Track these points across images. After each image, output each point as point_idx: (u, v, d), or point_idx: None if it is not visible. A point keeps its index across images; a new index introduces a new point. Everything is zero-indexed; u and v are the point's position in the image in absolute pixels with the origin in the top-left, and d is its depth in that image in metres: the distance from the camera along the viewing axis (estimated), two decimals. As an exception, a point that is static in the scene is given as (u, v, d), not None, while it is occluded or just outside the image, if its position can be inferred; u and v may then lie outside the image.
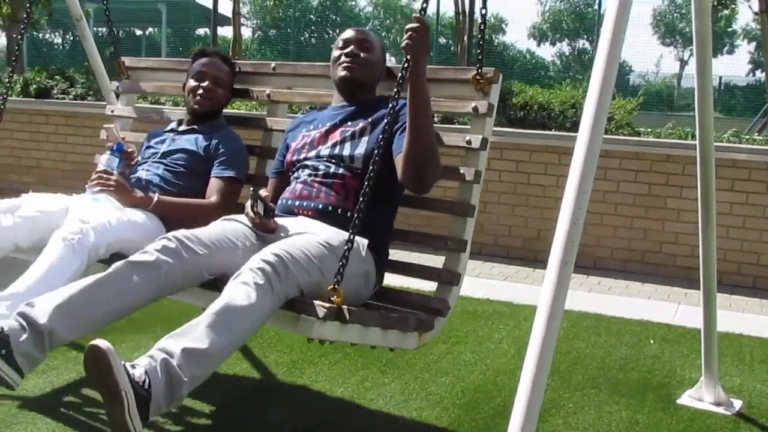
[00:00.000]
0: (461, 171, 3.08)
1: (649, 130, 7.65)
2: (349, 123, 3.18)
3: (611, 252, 7.02)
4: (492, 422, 3.55)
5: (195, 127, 3.67)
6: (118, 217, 3.14)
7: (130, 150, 3.66)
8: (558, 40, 46.68)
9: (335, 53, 3.29)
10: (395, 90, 2.61)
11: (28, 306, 2.43)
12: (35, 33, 24.93)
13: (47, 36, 31.46)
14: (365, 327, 2.67)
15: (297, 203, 3.08)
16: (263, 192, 3.01)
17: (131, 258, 2.62)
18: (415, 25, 2.66)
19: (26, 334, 2.36)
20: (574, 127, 7.24)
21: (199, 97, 3.64)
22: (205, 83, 3.65)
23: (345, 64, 3.21)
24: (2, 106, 3.66)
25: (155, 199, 3.35)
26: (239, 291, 2.42)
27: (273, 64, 3.79)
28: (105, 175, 3.34)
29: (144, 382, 2.18)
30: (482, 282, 6.24)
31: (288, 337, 4.39)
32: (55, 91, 9.12)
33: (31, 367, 2.39)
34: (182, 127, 3.72)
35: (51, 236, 2.95)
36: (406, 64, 2.66)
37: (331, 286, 2.47)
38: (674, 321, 5.38)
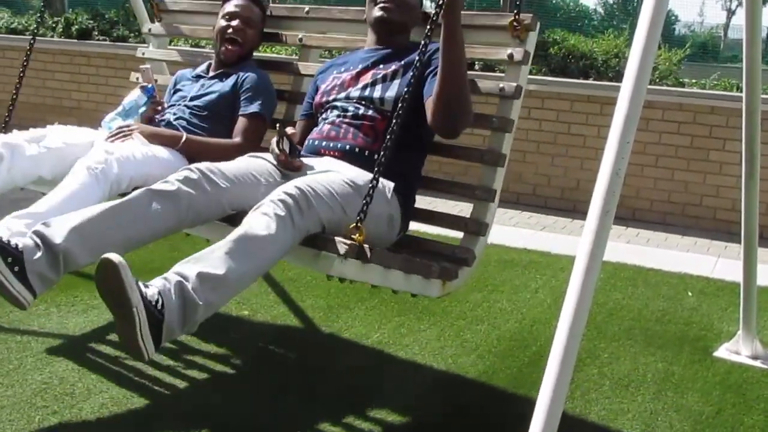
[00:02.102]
0: (493, 119, 3.03)
1: (694, 81, 7.51)
2: (382, 65, 3.12)
3: (651, 204, 6.95)
4: (527, 370, 3.57)
5: (223, 71, 3.61)
6: (143, 151, 3.11)
7: (158, 98, 3.63)
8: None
9: None
10: (427, 30, 2.50)
11: (44, 225, 2.38)
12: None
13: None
14: (386, 269, 2.61)
15: (324, 144, 3.03)
16: (290, 129, 2.93)
17: (152, 186, 2.57)
18: None
19: (41, 252, 2.32)
20: (617, 77, 7.14)
21: (228, 37, 3.57)
22: (235, 22, 3.57)
23: (382, 4, 3.14)
24: (32, 42, 3.61)
25: (183, 138, 3.32)
26: (259, 221, 2.37)
27: (307, 8, 3.73)
28: (125, 131, 3.28)
29: (157, 302, 2.13)
30: (520, 231, 6.22)
31: (324, 282, 4.43)
32: (96, 33, 9.14)
33: (44, 288, 2.35)
34: (211, 72, 3.67)
35: (72, 164, 2.93)
36: (439, 8, 2.56)
37: (354, 224, 2.40)
38: (713, 274, 5.34)
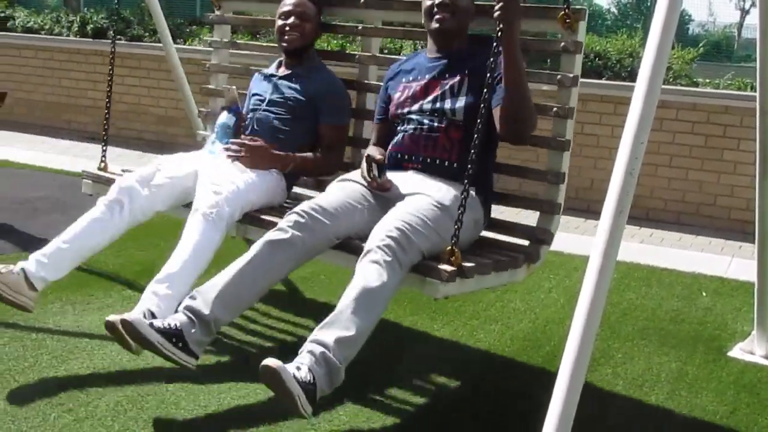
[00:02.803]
0: (554, 108, 3.24)
1: (708, 80, 7.49)
2: (447, 75, 3.29)
3: (665, 204, 6.94)
4: (540, 370, 3.57)
5: (295, 71, 3.79)
6: (244, 180, 3.41)
7: (242, 112, 3.86)
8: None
9: (426, 3, 3.33)
10: (490, 60, 2.80)
11: (192, 299, 2.85)
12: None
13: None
14: (482, 275, 2.95)
15: (405, 157, 3.29)
16: (376, 154, 3.21)
17: (269, 237, 2.95)
18: None
19: (195, 327, 2.80)
20: (631, 76, 7.12)
21: (287, 36, 3.76)
22: (291, 20, 3.75)
23: (438, 16, 3.28)
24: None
25: (289, 158, 3.62)
26: (371, 272, 2.72)
27: None
28: (244, 151, 3.56)
29: (310, 380, 2.54)
30: (533, 231, 6.20)
31: (338, 281, 4.43)
32: (111, 32, 9.18)
33: (202, 350, 2.85)
34: (281, 70, 3.85)
35: (181, 195, 3.51)
36: (499, 33, 2.84)
37: (450, 248, 2.78)
38: (727, 274, 5.32)
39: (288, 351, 3.63)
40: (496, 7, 2.87)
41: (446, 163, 3.22)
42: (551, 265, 5.19)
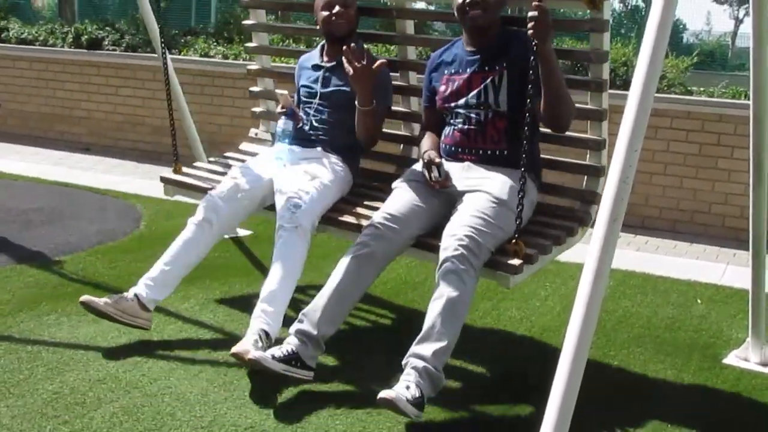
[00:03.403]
0: (590, 82, 3.57)
1: (702, 89, 7.50)
2: (486, 69, 3.51)
3: (660, 212, 6.95)
4: (536, 378, 3.56)
5: (340, 59, 3.84)
6: (315, 186, 3.71)
7: (298, 112, 4.07)
8: (610, -5, 45.91)
9: (458, 1, 3.47)
10: (531, 60, 3.11)
11: (300, 323, 3.29)
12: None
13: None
14: (545, 255, 3.34)
15: (459, 149, 3.57)
16: (434, 156, 3.46)
17: (354, 254, 3.35)
18: (535, 13, 3.04)
19: (308, 346, 3.26)
20: (625, 85, 7.13)
21: (335, 25, 3.96)
22: (336, 9, 3.94)
23: (471, 13, 3.45)
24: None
25: (371, 106, 3.79)
26: (451, 283, 3.09)
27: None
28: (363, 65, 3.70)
29: (418, 397, 2.97)
30: (528, 239, 6.21)
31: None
32: (106, 43, 9.17)
33: (315, 362, 3.29)
34: (326, 60, 4.08)
35: (259, 204, 3.88)
36: (534, 48, 3.08)
37: (514, 240, 3.17)
38: (722, 281, 5.33)
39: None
40: (530, 25, 3.06)
41: (497, 152, 3.50)
42: (547, 273, 5.19)
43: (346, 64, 3.67)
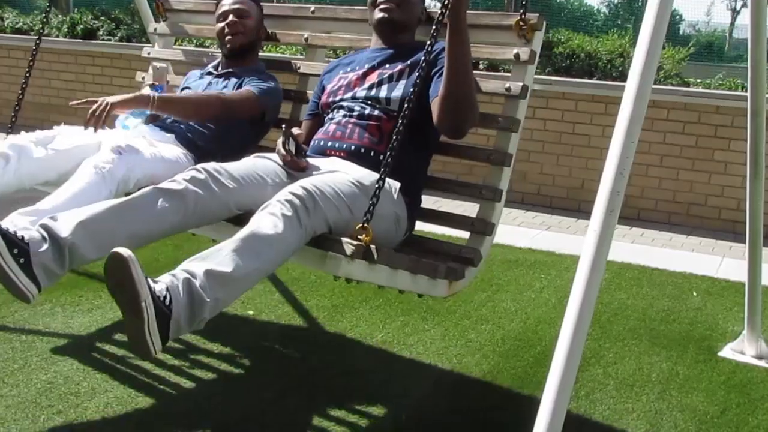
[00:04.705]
0: (499, 119, 3.02)
1: (699, 80, 7.50)
2: (387, 65, 3.13)
3: (656, 204, 6.95)
4: (531, 370, 3.57)
5: (232, 70, 3.62)
6: (151, 152, 3.13)
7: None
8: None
9: None
10: (432, 31, 2.50)
11: (51, 219, 2.41)
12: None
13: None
14: (393, 269, 2.60)
15: (329, 144, 3.03)
16: (295, 130, 2.94)
17: (160, 185, 2.60)
18: None
19: (47, 245, 2.34)
20: (622, 76, 7.12)
21: (228, 36, 3.59)
22: (230, 18, 3.58)
23: (383, 6, 3.14)
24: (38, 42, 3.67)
25: (151, 96, 3.21)
26: (267, 220, 2.38)
27: (312, 8, 3.72)
28: (95, 107, 3.12)
29: (165, 298, 2.14)
30: (524, 231, 6.22)
31: (329, 282, 4.43)
32: (101, 33, 9.14)
33: (49, 282, 2.35)
34: (219, 70, 3.68)
35: (73, 165, 2.99)
36: (445, 8, 2.59)
37: (360, 225, 2.42)
38: (718, 274, 5.33)
39: (280, 354, 3.63)
40: None
41: (372, 153, 2.96)
42: (543, 264, 5.20)
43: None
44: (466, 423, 3.12)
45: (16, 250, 2.28)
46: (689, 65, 8.43)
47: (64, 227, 2.38)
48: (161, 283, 2.16)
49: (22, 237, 2.31)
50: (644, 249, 5.93)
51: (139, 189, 2.76)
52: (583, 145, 7.06)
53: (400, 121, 2.48)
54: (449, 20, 2.69)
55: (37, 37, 3.67)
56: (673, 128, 6.79)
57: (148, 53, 4.28)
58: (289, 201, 2.43)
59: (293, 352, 3.69)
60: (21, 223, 2.55)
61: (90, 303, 4.00)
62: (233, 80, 3.56)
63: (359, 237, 2.40)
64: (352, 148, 2.98)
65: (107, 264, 2.11)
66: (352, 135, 3.00)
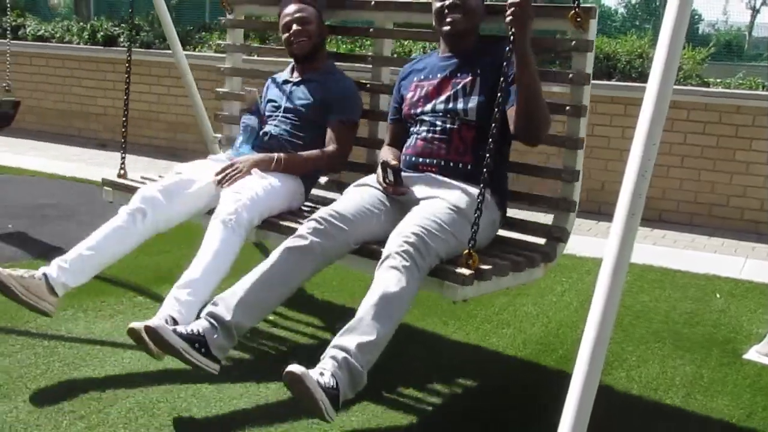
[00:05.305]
0: (567, 107, 3.26)
1: (719, 80, 7.45)
2: (459, 75, 3.32)
3: (677, 205, 6.91)
4: (553, 374, 3.55)
5: (307, 76, 3.87)
6: (263, 186, 3.48)
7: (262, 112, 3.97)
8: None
9: (436, 5, 3.36)
10: (504, 64, 2.86)
11: (214, 306, 2.90)
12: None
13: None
14: (500, 277, 2.98)
15: (420, 160, 3.32)
16: (391, 159, 3.23)
17: (289, 244, 3.00)
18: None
19: (218, 332, 2.85)
20: (641, 77, 7.09)
21: (295, 45, 3.85)
22: (293, 28, 3.82)
23: (449, 18, 3.31)
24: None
25: (275, 159, 3.64)
26: (390, 278, 2.76)
27: (373, 1, 3.92)
28: (230, 171, 3.58)
29: (333, 386, 2.58)
30: (544, 234, 6.18)
31: (348, 285, 4.42)
32: (122, 39, 9.19)
33: (224, 355, 2.90)
34: (295, 76, 3.94)
35: (203, 204, 3.58)
36: (512, 37, 2.87)
37: (467, 251, 2.82)
38: (741, 275, 5.29)
39: (302, 356, 3.62)
40: (509, 12, 2.89)
41: (460, 165, 3.25)
42: (564, 268, 5.17)
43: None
44: (487, 428, 3.10)
45: (197, 344, 2.81)
46: (709, 65, 8.37)
47: (226, 311, 2.87)
48: (327, 374, 2.60)
49: (198, 331, 2.82)
50: (666, 251, 5.89)
51: (262, 221, 3.43)
52: (603, 146, 7.03)
53: (489, 146, 2.80)
54: (516, 49, 2.92)
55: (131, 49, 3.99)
56: (694, 129, 6.75)
57: (222, 69, 4.56)
58: (404, 251, 2.79)
59: (315, 362, 3.68)
60: (182, 296, 3.11)
61: (112, 308, 4.02)
62: (314, 87, 3.83)
63: (468, 263, 2.82)
64: (442, 163, 3.27)
65: (285, 380, 2.57)
66: (440, 150, 3.28)
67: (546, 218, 3.37)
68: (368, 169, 3.75)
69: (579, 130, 3.25)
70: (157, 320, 2.90)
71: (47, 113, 9.56)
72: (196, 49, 8.82)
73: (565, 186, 3.33)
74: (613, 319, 2.26)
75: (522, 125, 3.10)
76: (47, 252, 4.82)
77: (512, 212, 3.43)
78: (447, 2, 3.30)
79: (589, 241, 6.00)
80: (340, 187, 3.84)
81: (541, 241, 3.33)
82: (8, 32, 8.02)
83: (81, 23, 9.99)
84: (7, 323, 3.72)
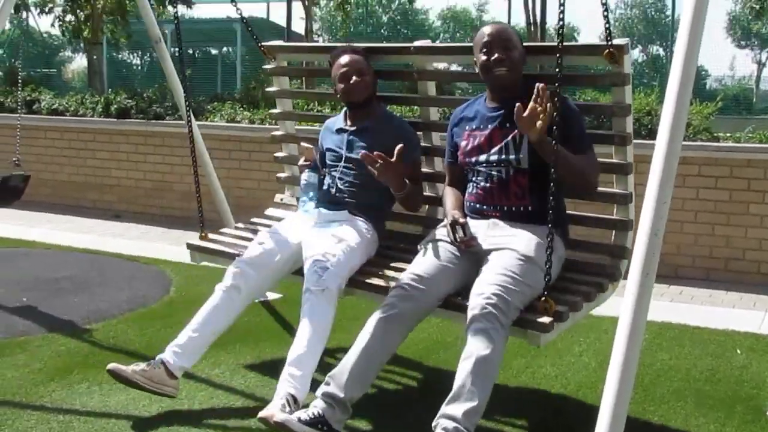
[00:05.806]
0: (614, 137, 3.55)
1: (728, 134, 7.46)
2: (507, 125, 3.47)
3: (693, 260, 6.87)
4: (574, 436, 3.50)
5: (364, 124, 4.03)
6: (342, 249, 3.70)
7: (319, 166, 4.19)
8: (630, 47, 46.47)
9: (481, 57, 3.49)
10: (554, 132, 3.13)
11: (327, 385, 3.20)
12: (115, 54, 25.55)
13: (126, 57, 32.13)
14: (576, 312, 3.26)
15: (484, 207, 3.55)
16: (459, 216, 3.46)
17: (382, 315, 3.28)
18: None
19: (335, 409, 3.16)
20: (650, 134, 7.10)
21: (353, 95, 4.01)
22: (353, 79, 3.98)
23: (497, 73, 3.47)
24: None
25: (404, 192, 3.81)
26: (480, 342, 3.02)
27: (412, 46, 4.14)
28: (387, 159, 3.66)
29: None
30: (560, 293, 6.14)
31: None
32: (134, 111, 9.31)
33: (342, 426, 3.20)
34: (349, 124, 4.09)
35: (289, 268, 3.87)
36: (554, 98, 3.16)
37: (543, 299, 3.12)
38: (761, 330, 5.22)
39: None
40: (519, 121, 3.19)
41: (522, 208, 3.47)
42: (581, 327, 5.11)
43: (369, 167, 3.68)
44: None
45: (319, 425, 3.10)
46: (717, 119, 8.40)
47: (339, 390, 3.17)
48: None
49: (319, 413, 3.13)
50: (684, 307, 5.84)
51: (347, 280, 3.69)
52: (616, 204, 7.01)
53: (551, 196, 3.11)
54: (533, 144, 3.27)
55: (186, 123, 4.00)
56: (706, 183, 6.74)
57: (275, 135, 4.80)
58: (488, 313, 3.05)
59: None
60: (296, 372, 3.39)
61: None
62: (376, 136, 3.95)
63: (545, 308, 3.10)
64: (504, 208, 3.50)
65: None
66: (501, 198, 3.51)
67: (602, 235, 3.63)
68: (431, 200, 4.16)
69: (627, 155, 3.54)
70: (278, 406, 3.25)
71: (62, 186, 9.64)
72: (208, 119, 8.92)
73: (619, 208, 3.60)
74: (632, 379, 2.24)
75: (572, 185, 3.44)
76: (60, 326, 4.82)
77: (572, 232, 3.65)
78: (493, 57, 3.43)
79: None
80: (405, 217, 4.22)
81: (605, 260, 3.57)
82: (19, 107, 8.14)
83: (95, 96, 10.13)
84: (22, 398, 3.71)
